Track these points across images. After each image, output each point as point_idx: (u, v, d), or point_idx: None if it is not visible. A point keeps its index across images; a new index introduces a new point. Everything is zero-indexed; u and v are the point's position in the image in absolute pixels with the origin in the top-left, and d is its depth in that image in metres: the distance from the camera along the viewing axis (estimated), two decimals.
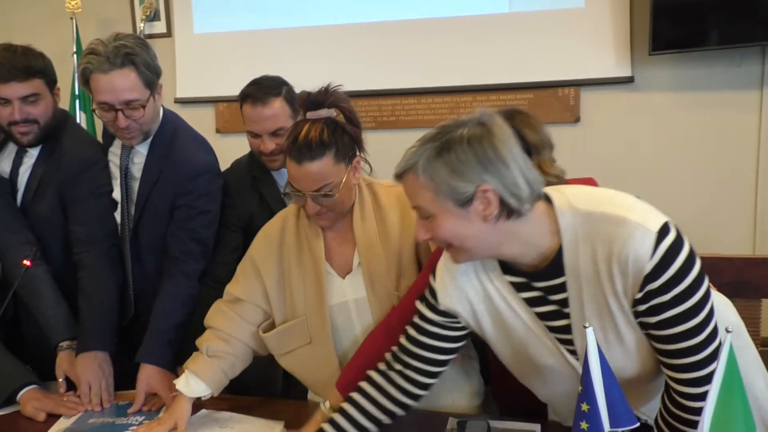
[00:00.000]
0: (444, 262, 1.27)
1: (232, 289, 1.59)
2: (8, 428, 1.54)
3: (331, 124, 1.42)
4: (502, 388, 1.57)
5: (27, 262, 1.56)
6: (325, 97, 1.43)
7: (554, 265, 1.14)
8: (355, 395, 1.35)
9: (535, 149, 1.38)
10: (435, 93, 3.16)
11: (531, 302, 1.20)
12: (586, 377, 0.88)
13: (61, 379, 1.67)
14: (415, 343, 1.31)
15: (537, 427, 1.35)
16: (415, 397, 1.34)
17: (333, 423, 1.33)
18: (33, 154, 1.86)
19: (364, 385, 1.35)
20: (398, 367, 1.32)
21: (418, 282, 1.46)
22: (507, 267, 1.20)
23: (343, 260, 1.53)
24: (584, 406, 0.87)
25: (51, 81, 1.81)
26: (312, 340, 1.52)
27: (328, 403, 1.42)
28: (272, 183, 1.88)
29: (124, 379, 1.68)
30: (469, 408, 1.60)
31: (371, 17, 3.19)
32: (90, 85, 1.67)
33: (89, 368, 1.64)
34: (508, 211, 1.09)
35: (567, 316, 1.17)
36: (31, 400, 1.59)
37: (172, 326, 1.69)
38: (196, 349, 1.57)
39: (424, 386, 1.33)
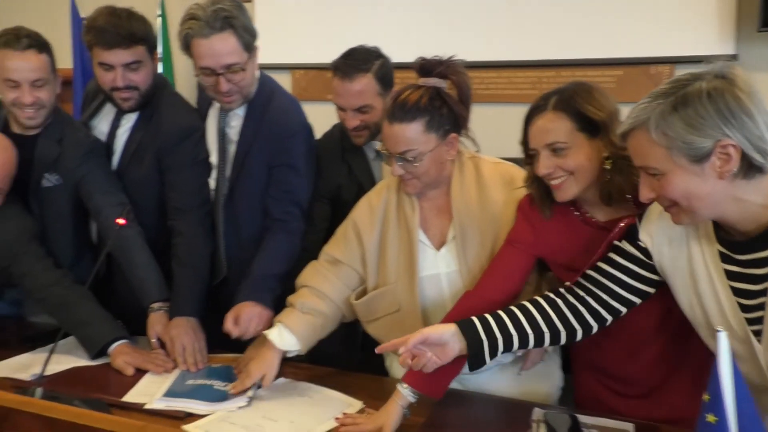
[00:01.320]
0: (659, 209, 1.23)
1: (331, 249, 1.61)
2: (98, 379, 1.60)
3: (435, 93, 1.44)
4: (583, 384, 1.54)
5: (121, 221, 1.61)
6: (437, 67, 1.45)
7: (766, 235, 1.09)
8: (517, 308, 1.35)
9: (604, 127, 1.33)
10: (517, 67, 3.05)
11: (731, 275, 1.15)
12: (714, 385, 0.82)
13: (154, 340, 1.72)
14: (604, 274, 1.30)
15: (630, 426, 1.30)
16: (584, 324, 1.33)
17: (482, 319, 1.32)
18: (131, 117, 1.89)
19: (528, 303, 1.35)
20: (580, 293, 1.33)
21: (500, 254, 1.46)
22: (718, 234, 1.16)
23: (438, 231, 1.54)
24: (710, 417, 0.82)
25: (152, 47, 1.84)
26: (400, 308, 1.53)
27: (406, 385, 1.37)
28: (362, 156, 1.87)
29: (211, 341, 1.72)
30: (550, 400, 1.58)
31: None
32: (191, 50, 1.68)
33: (183, 331, 1.68)
34: (747, 168, 1.05)
35: (764, 293, 1.11)
36: (121, 354, 1.65)
37: (273, 275, 1.71)
38: None
39: (599, 317, 1.32)
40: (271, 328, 1.55)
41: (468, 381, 1.55)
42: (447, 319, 1.39)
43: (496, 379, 1.56)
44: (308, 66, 3.27)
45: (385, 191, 1.59)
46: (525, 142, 1.39)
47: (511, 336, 1.30)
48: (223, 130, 1.83)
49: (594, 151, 1.32)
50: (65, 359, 1.69)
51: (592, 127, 1.31)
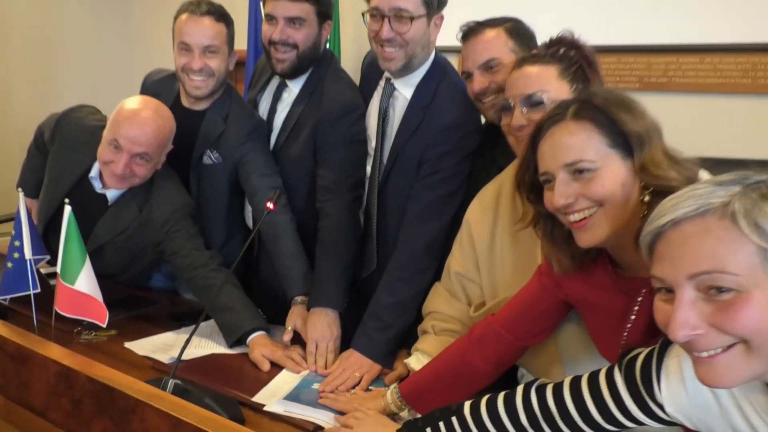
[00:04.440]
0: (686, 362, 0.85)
1: (451, 261, 1.45)
2: (234, 371, 1.51)
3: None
4: None
5: (270, 205, 1.50)
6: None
7: None
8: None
9: (641, 144, 0.99)
10: (724, 51, 2.57)
11: None
12: None
13: (289, 328, 1.61)
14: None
15: None
16: None
17: None
18: (293, 90, 1.81)
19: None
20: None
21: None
22: None
23: None
24: None
25: (322, 12, 1.74)
26: None
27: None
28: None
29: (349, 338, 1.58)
30: None
31: None
32: None
33: (318, 327, 1.56)
34: None
35: None
36: (259, 346, 1.56)
37: (397, 311, 1.55)
38: None
39: None
40: (410, 357, 1.43)
41: None
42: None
43: None
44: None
45: (498, 187, 1.38)
46: (528, 166, 1.07)
47: None
48: (385, 112, 1.66)
49: (629, 176, 0.98)
50: (205, 344, 1.64)
51: (628, 144, 0.98)
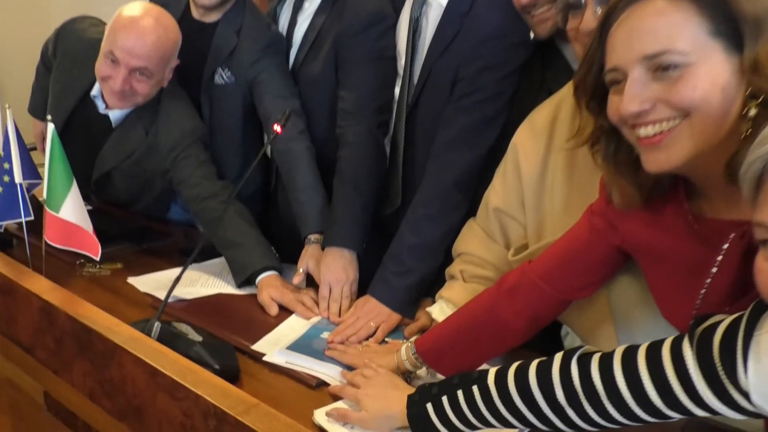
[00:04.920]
0: None
1: (490, 194, 1.22)
2: (239, 313, 1.36)
3: None
4: None
5: (277, 128, 1.29)
6: None
7: None
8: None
9: (755, 27, 0.70)
10: None
11: None
12: None
13: (301, 270, 1.45)
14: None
15: None
16: None
17: None
18: (314, 1, 1.58)
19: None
20: None
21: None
22: None
23: None
24: None
25: None
26: None
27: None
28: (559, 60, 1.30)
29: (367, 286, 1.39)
30: None
31: None
32: None
33: (332, 268, 1.38)
34: None
35: None
36: (268, 287, 1.40)
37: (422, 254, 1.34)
38: None
39: None
40: (432, 305, 1.25)
41: None
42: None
43: None
44: None
45: (554, 108, 1.12)
46: (592, 62, 0.81)
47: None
48: (417, 22, 1.41)
49: (733, 78, 0.71)
50: (213, 282, 1.50)
51: (737, 32, 0.71)
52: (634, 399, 0.74)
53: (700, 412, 0.71)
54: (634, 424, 0.77)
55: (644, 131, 0.76)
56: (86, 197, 1.91)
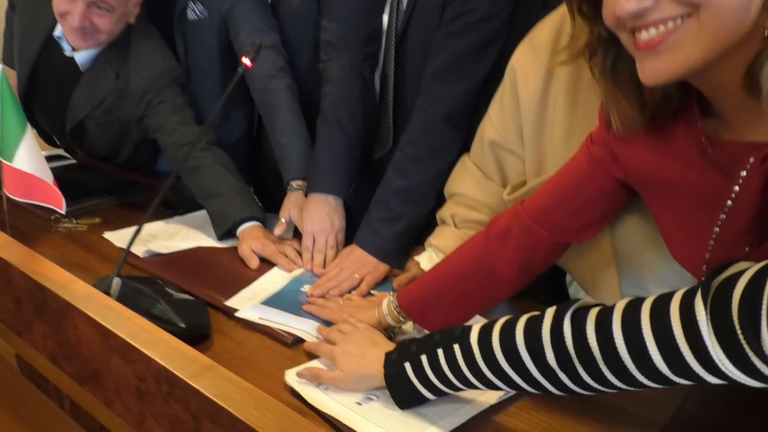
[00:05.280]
0: None
1: (486, 128, 1.09)
2: (218, 267, 1.26)
3: None
4: None
5: (246, 62, 1.14)
6: None
7: None
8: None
9: None
10: None
11: None
12: None
13: (283, 219, 1.34)
14: None
15: None
16: None
17: None
18: None
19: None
20: None
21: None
22: None
23: None
24: None
25: None
26: None
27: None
28: None
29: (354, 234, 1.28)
30: None
31: None
32: None
33: (316, 217, 1.27)
34: None
35: None
36: (249, 238, 1.30)
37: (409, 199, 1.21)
38: None
39: None
40: (421, 254, 1.14)
41: None
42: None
43: None
44: None
45: (558, 23, 0.96)
46: None
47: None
48: None
49: None
50: (193, 235, 1.40)
51: None
52: (635, 363, 0.61)
53: (712, 380, 0.58)
54: (636, 389, 0.65)
55: (644, 35, 0.62)
56: (70, 150, 1.84)
